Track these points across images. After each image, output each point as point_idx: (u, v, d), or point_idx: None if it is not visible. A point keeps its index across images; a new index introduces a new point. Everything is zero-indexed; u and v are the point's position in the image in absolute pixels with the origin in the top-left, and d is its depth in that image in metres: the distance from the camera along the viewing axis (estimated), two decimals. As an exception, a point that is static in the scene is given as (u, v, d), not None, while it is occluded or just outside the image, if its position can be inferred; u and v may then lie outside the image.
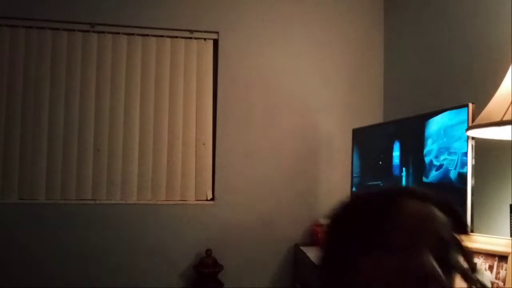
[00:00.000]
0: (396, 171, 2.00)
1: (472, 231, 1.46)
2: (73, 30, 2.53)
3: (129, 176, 2.55)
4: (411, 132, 1.91)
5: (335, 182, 2.69)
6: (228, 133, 2.66)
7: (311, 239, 2.60)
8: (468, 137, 1.48)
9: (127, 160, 2.55)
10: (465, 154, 1.50)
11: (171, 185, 2.60)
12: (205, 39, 2.67)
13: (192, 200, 2.62)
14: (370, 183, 2.24)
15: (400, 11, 2.67)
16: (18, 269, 2.38)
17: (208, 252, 2.46)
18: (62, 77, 2.52)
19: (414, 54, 2.47)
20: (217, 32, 2.67)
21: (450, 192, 1.55)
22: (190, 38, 2.65)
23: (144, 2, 2.59)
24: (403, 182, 1.92)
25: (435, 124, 1.73)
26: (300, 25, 2.76)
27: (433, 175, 1.72)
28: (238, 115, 2.67)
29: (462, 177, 1.52)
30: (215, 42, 2.69)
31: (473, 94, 1.77)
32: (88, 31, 2.55)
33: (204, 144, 2.65)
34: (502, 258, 1.29)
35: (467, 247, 0.54)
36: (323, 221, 2.44)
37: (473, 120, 1.42)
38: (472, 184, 1.47)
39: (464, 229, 0.55)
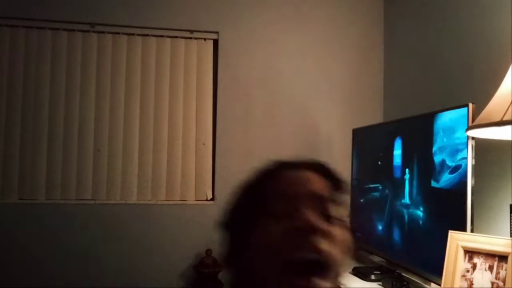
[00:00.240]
0: (397, 173, 1.95)
1: (472, 231, 1.45)
2: (73, 30, 2.53)
3: (129, 176, 2.55)
4: (415, 130, 1.86)
5: (335, 182, 2.68)
6: (228, 133, 2.66)
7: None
8: (468, 137, 1.47)
9: (127, 160, 2.55)
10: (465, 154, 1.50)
11: (171, 185, 2.60)
12: (205, 39, 2.67)
13: (192, 200, 2.62)
14: (370, 183, 2.24)
15: (400, 11, 2.66)
16: (18, 269, 2.38)
17: (208, 252, 2.46)
18: (62, 77, 2.51)
19: (414, 54, 2.46)
20: (217, 32, 2.67)
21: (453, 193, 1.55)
22: (190, 38, 2.65)
23: (144, 2, 2.59)
24: (406, 186, 1.85)
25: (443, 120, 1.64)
26: (300, 25, 2.76)
27: (446, 178, 1.58)
28: (238, 115, 2.67)
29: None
30: (215, 42, 2.69)
31: (473, 94, 1.77)
32: (88, 31, 2.55)
33: (204, 144, 2.65)
34: (502, 258, 1.29)
35: (339, 198, 0.62)
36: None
37: (473, 120, 1.42)
38: (472, 184, 1.47)
39: (338, 184, 0.63)
